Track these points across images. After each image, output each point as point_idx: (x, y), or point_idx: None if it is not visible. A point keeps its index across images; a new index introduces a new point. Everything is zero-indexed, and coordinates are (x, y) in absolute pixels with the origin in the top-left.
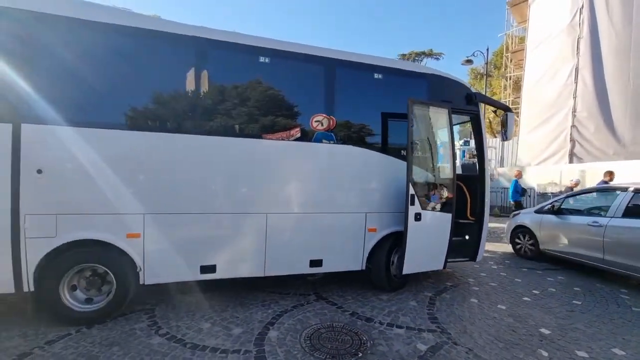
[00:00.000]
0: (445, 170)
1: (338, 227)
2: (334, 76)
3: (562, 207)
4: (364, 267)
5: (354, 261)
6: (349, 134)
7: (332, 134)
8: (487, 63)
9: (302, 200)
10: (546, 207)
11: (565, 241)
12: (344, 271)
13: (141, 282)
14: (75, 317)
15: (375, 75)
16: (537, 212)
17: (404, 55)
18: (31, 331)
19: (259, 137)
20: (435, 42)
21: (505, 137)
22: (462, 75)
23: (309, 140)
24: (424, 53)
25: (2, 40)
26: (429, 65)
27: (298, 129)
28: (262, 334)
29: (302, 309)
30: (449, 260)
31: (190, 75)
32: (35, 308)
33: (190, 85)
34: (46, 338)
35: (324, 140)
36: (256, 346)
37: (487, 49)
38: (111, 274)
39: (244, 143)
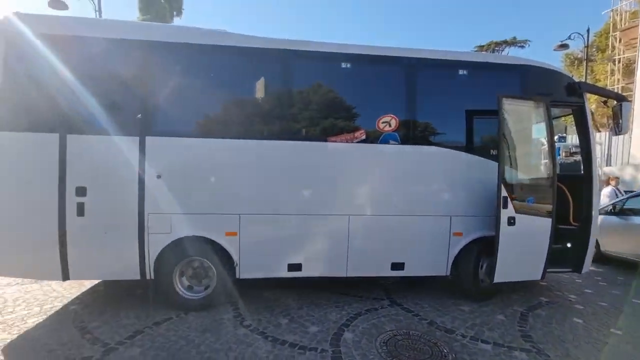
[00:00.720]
0: (544, 170)
1: (421, 230)
2: (417, 76)
3: (624, 207)
4: (448, 273)
5: (438, 266)
6: (432, 135)
7: (397, 134)
8: (587, 46)
9: (384, 203)
10: (607, 209)
11: (630, 242)
12: (419, 277)
13: (237, 276)
14: (183, 303)
15: (460, 72)
16: None
17: (481, 46)
18: (143, 313)
19: (343, 141)
20: (518, 29)
21: (619, 130)
22: (554, 62)
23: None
24: (505, 42)
25: (134, 68)
26: (512, 55)
27: (362, 132)
28: (338, 335)
29: (376, 314)
30: (548, 270)
31: (281, 85)
32: (154, 293)
33: (281, 96)
34: (154, 320)
35: (390, 142)
36: (332, 346)
37: (588, 30)
38: (213, 268)
39: (328, 148)
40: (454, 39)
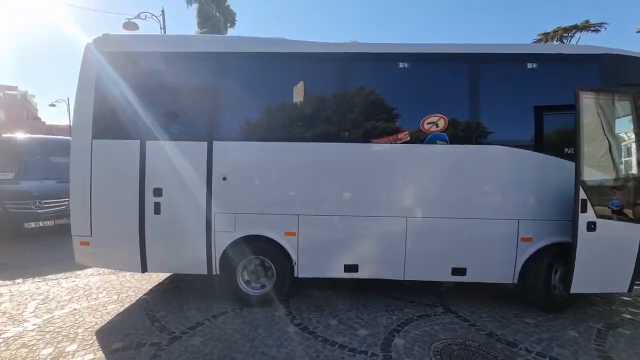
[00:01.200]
0: (631, 169)
1: (485, 234)
2: (480, 73)
3: None
4: (515, 281)
5: (504, 273)
6: (496, 133)
7: (445, 134)
8: None
9: (444, 205)
10: None
11: None
12: (476, 283)
13: (295, 275)
14: (245, 299)
15: (529, 65)
16: None
17: (546, 33)
18: (202, 306)
19: (406, 142)
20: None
21: None
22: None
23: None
24: (575, 27)
25: (203, 79)
26: (584, 41)
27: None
28: (388, 340)
29: (429, 320)
30: (637, 283)
31: (340, 88)
32: (220, 288)
33: (339, 98)
34: (212, 313)
35: (437, 141)
36: (383, 351)
37: None
38: (273, 266)
39: (386, 149)
40: (511, 29)
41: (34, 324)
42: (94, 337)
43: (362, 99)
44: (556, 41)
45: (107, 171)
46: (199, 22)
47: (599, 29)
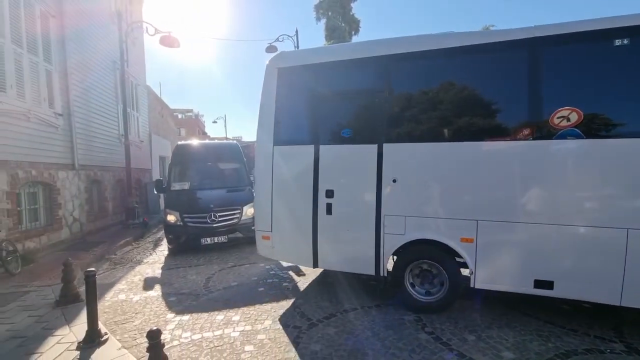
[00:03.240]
0: None
1: None
2: None
3: None
4: None
5: None
6: None
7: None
8: None
9: None
10: None
11: None
12: None
13: (471, 285)
14: (413, 303)
15: None
16: None
17: None
18: (334, 300)
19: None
20: None
21: None
22: None
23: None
24: None
25: (367, 82)
26: None
27: None
28: None
29: (601, 357)
30: None
31: (524, 80)
32: (386, 290)
33: (524, 91)
34: (343, 307)
35: (568, 137)
36: None
37: None
38: (445, 273)
39: (590, 145)
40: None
41: (208, 295)
42: (251, 312)
43: (556, 91)
44: None
45: (286, 174)
46: (326, 34)
47: None
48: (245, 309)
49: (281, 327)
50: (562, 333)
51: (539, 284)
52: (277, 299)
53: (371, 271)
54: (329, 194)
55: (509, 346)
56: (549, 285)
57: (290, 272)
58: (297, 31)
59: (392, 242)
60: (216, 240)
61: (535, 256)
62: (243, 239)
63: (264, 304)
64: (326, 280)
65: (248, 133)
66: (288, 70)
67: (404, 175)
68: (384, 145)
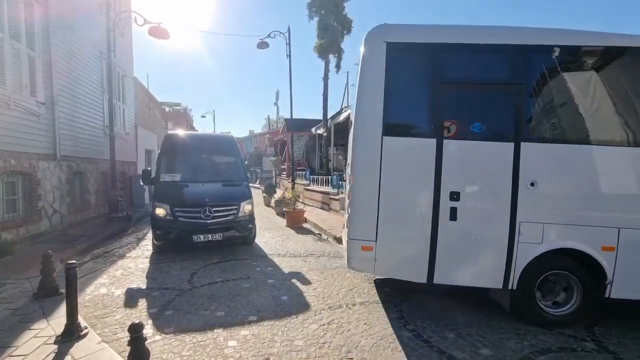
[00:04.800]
0: None
1: None
2: None
3: None
4: None
5: None
6: None
7: None
8: None
9: None
10: None
11: None
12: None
13: (606, 295)
14: (541, 317)
15: None
16: None
17: None
18: (316, 298)
19: None
20: None
21: None
22: None
23: None
24: None
25: (508, 72)
26: None
27: None
28: None
29: (573, 355)
30: None
31: None
32: (512, 304)
33: None
34: (330, 305)
35: None
36: None
37: None
38: (579, 284)
39: None
40: None
41: (193, 291)
42: (235, 308)
43: None
44: None
45: (398, 171)
46: (318, 33)
47: None
48: (230, 304)
49: (265, 323)
50: (538, 332)
51: None
52: (262, 295)
53: (498, 284)
54: (454, 196)
55: (486, 343)
56: None
57: (276, 270)
58: (289, 28)
59: (527, 252)
60: (210, 238)
61: None
62: (239, 237)
63: (248, 300)
64: (312, 278)
65: (238, 129)
66: (401, 46)
67: (544, 179)
68: (522, 144)
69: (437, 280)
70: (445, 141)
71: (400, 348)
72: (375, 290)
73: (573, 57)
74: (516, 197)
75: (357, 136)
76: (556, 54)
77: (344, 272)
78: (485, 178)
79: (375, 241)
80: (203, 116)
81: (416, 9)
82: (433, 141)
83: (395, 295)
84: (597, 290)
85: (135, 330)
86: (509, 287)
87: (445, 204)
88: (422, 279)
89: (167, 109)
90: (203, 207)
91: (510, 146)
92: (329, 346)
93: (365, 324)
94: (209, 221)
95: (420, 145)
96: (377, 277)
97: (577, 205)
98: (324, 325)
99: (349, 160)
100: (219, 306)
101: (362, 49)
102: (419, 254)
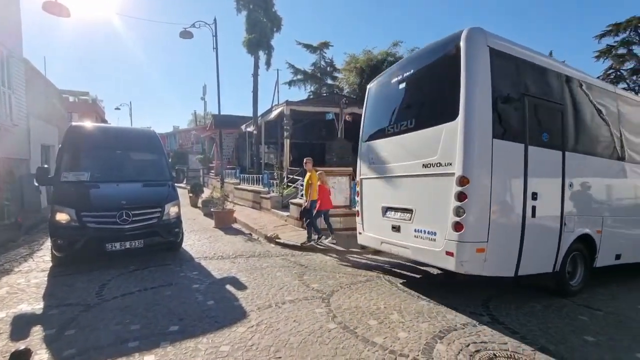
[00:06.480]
0: None
1: None
2: None
3: None
4: None
5: None
6: None
7: None
8: None
9: None
10: None
11: None
12: (518, 288)
13: (594, 265)
14: (565, 288)
15: None
16: None
17: (617, 24)
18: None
19: None
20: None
21: None
22: None
23: None
24: None
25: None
26: None
27: None
28: (430, 345)
29: (474, 330)
30: None
31: None
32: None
33: None
34: (282, 301)
35: None
36: (424, 355)
37: None
38: (584, 259)
39: None
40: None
41: (102, 305)
42: (155, 319)
43: None
44: (630, 32)
45: (503, 173)
46: (247, 28)
47: None
48: (147, 314)
49: (188, 331)
50: (447, 312)
51: None
52: (185, 302)
53: (549, 269)
54: (534, 196)
55: (404, 327)
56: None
57: (201, 274)
58: (215, 20)
59: (567, 239)
60: (128, 246)
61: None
62: (164, 243)
63: (169, 309)
64: (241, 279)
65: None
66: (499, 54)
67: (577, 180)
68: (566, 153)
69: (521, 272)
70: (530, 147)
71: (327, 341)
72: (304, 287)
73: (591, 90)
74: (564, 195)
75: (471, 139)
76: (584, 87)
77: (273, 272)
78: (549, 179)
79: (487, 242)
80: (117, 108)
81: (353, 16)
82: (522, 146)
83: (323, 290)
84: (591, 262)
85: (19, 359)
86: (554, 270)
87: (529, 203)
88: (511, 272)
89: (71, 99)
90: (119, 211)
91: (559, 154)
92: (257, 348)
93: (294, 321)
94: (126, 226)
95: (513, 149)
96: (306, 275)
97: (589, 200)
98: (252, 327)
99: (428, 160)
100: (134, 318)
101: (461, 46)
102: (513, 249)
